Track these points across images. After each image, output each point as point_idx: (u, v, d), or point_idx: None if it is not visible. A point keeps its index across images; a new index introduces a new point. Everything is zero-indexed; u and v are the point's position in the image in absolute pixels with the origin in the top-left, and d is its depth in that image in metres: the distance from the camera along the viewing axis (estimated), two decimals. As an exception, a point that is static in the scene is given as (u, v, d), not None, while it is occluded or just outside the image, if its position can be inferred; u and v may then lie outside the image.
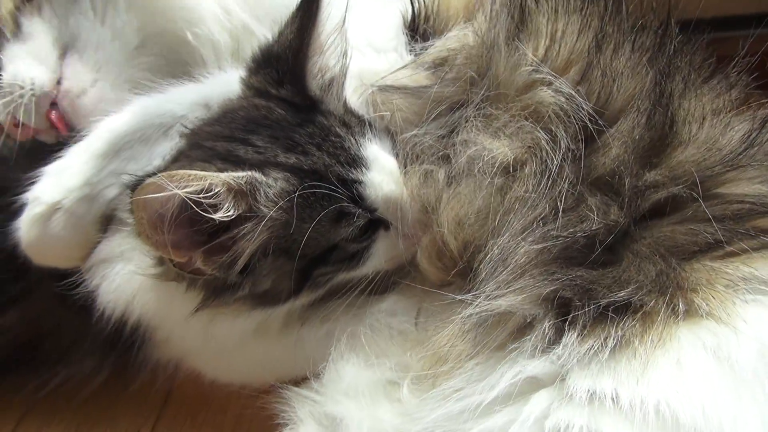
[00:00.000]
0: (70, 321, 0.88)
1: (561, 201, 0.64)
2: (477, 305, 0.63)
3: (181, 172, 0.65)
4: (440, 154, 0.75)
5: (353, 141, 0.75)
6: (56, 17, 0.81)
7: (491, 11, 0.80)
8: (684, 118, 0.69)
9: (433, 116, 0.78)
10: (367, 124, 0.79)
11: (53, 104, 0.88)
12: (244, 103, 0.80)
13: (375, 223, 0.75)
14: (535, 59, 0.73)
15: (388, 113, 0.80)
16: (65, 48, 0.80)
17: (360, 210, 0.73)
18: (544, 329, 0.60)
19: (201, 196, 0.65)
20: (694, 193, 0.64)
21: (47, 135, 0.91)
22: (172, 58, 0.89)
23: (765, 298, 0.60)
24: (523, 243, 0.64)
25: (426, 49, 0.86)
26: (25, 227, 0.78)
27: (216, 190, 0.66)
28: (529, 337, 0.60)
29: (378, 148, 0.77)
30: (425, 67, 0.84)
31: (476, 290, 0.65)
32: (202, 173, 0.66)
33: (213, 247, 0.69)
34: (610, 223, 0.63)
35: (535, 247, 0.63)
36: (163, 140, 0.80)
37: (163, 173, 0.64)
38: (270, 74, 0.79)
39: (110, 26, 0.87)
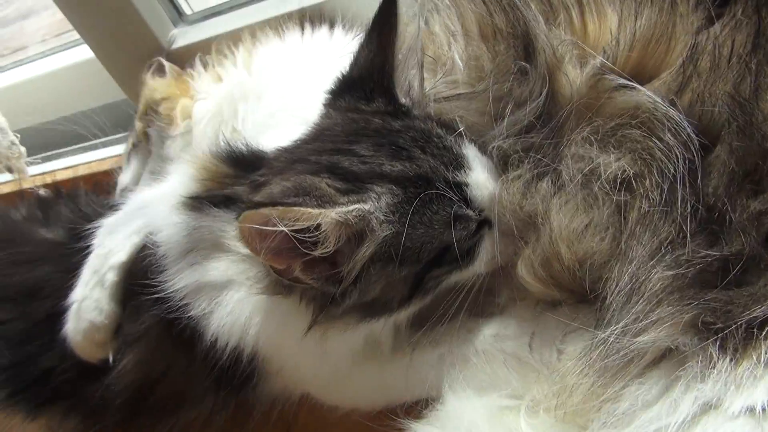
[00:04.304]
0: (179, 363, 0.89)
1: (686, 223, 0.62)
2: (616, 341, 0.63)
3: (296, 209, 0.66)
4: (539, 165, 0.72)
5: (453, 140, 0.75)
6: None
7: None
8: None
9: (502, 117, 0.76)
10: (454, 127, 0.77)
11: None
12: (338, 119, 0.79)
13: (481, 222, 0.75)
14: (615, 69, 0.69)
15: (463, 126, 0.78)
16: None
17: (472, 212, 0.73)
18: (704, 356, 0.59)
19: (307, 235, 0.66)
20: None
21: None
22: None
23: None
24: (655, 270, 0.62)
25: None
26: (68, 326, 0.94)
27: (323, 229, 0.67)
28: (685, 367, 0.60)
29: (472, 146, 0.76)
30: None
31: (610, 322, 0.64)
32: (316, 212, 0.66)
33: (313, 259, 0.69)
34: (736, 248, 0.62)
35: (669, 273, 0.62)
36: None
37: (279, 209, 0.64)
38: (356, 94, 0.79)
39: None
